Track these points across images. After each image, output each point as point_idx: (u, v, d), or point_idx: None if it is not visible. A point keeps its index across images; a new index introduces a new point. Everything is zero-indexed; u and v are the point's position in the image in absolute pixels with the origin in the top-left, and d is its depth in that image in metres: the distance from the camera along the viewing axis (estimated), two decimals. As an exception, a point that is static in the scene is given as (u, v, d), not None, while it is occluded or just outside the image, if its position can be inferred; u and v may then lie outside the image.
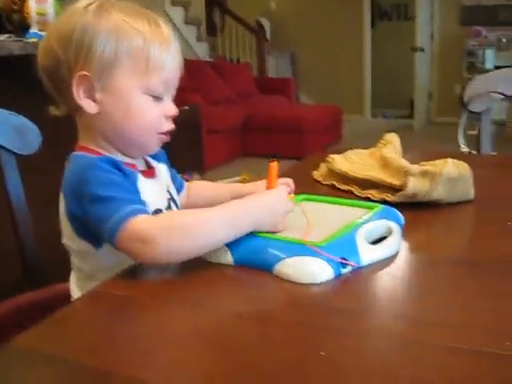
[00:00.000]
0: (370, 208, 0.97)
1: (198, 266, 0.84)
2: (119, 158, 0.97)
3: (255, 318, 0.71)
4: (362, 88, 8.77)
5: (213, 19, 8.24)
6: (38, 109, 1.55)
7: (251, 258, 0.84)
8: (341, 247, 0.82)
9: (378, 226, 0.91)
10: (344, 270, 0.80)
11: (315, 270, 0.79)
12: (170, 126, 1.00)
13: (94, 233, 0.89)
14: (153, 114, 0.96)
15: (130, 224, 0.82)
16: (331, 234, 0.85)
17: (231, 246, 0.85)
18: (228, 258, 0.85)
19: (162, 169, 1.08)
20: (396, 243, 0.89)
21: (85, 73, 0.92)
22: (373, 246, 0.86)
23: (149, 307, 0.76)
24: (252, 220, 0.86)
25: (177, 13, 7.06)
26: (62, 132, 1.47)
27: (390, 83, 9.24)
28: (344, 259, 0.80)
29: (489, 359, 0.59)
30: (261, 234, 0.87)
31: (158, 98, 0.96)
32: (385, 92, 9.16)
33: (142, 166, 1.03)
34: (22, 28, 2.45)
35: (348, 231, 0.87)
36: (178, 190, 1.13)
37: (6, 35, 2.29)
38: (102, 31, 0.92)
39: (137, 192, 0.92)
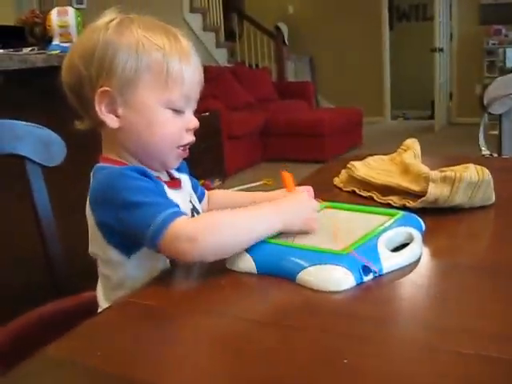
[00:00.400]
0: (391, 215, 0.97)
1: (221, 275, 0.86)
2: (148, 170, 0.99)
3: (277, 325, 0.72)
4: (381, 90, 8.75)
5: (231, 25, 8.28)
6: (61, 120, 1.58)
7: (274, 266, 0.85)
8: (362, 255, 0.83)
9: (399, 233, 0.91)
10: (366, 278, 0.81)
11: (337, 278, 0.80)
12: (190, 138, 1.01)
13: (129, 240, 0.92)
14: (174, 128, 0.98)
15: (173, 226, 0.85)
16: (353, 242, 0.86)
17: (255, 254, 0.87)
18: (252, 266, 0.87)
19: (185, 180, 1.10)
20: (417, 250, 0.89)
21: (107, 88, 0.94)
22: (394, 253, 0.86)
23: (174, 316, 0.77)
24: (283, 218, 0.90)
25: (195, 20, 7.11)
26: (86, 143, 1.50)
27: (410, 84, 9.21)
28: (366, 266, 0.81)
29: (510, 366, 0.60)
30: (284, 243, 0.89)
31: (179, 112, 0.98)
32: (405, 93, 9.13)
33: (165, 178, 1.04)
34: (45, 40, 2.49)
35: (370, 239, 0.87)
36: (200, 199, 1.15)
37: (30, 48, 2.33)
38: (122, 47, 0.94)
39: (167, 197, 0.95)
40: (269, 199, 1.07)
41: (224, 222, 0.88)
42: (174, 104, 0.97)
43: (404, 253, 0.87)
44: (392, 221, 0.95)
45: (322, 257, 0.83)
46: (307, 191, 1.03)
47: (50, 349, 0.69)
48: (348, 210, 1.05)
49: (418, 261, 0.88)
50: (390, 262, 0.84)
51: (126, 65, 0.94)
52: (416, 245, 0.89)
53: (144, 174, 0.92)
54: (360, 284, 0.80)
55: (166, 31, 0.98)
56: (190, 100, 1.00)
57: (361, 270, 0.81)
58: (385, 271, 0.83)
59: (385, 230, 0.90)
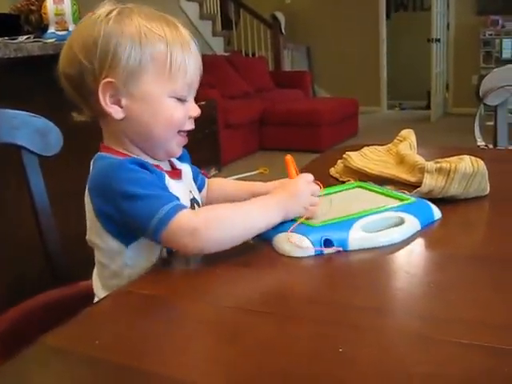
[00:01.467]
0: (402, 200, 1.03)
1: (216, 264, 0.87)
2: (145, 159, 0.99)
3: (273, 314, 0.73)
4: (378, 80, 8.73)
5: (228, 14, 8.24)
6: (58, 109, 1.58)
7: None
8: (332, 230, 0.91)
9: (390, 216, 0.96)
10: (327, 251, 0.89)
11: (296, 246, 0.89)
12: (191, 126, 1.03)
13: (127, 230, 0.93)
14: (178, 115, 0.99)
15: (176, 219, 0.87)
16: (337, 217, 0.95)
17: None
18: None
19: (186, 169, 1.11)
20: (394, 235, 0.93)
21: (110, 80, 0.94)
22: (366, 233, 0.91)
23: (171, 305, 0.78)
24: (280, 209, 0.94)
25: (192, 8, 7.08)
26: (83, 132, 1.50)
27: (407, 74, 9.20)
28: (328, 241, 0.89)
29: (505, 356, 0.60)
30: None
31: (182, 100, 0.99)
32: (401, 83, 9.12)
33: (167, 168, 1.05)
34: (40, 28, 2.48)
35: (352, 217, 0.95)
36: (200, 188, 1.15)
37: (25, 36, 2.32)
38: (125, 38, 0.94)
39: (168, 190, 0.96)
40: (266, 189, 1.09)
41: (224, 216, 0.92)
42: (177, 93, 0.98)
43: (377, 235, 0.92)
44: (394, 205, 1.00)
45: (296, 227, 0.92)
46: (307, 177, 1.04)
47: (48, 337, 0.69)
48: (372, 190, 1.13)
49: (405, 249, 0.91)
50: (358, 241, 0.90)
51: (129, 56, 0.94)
52: (394, 230, 0.93)
53: (143, 166, 0.93)
54: (320, 254, 0.89)
55: (166, 20, 0.98)
56: (192, 88, 1.01)
57: (322, 243, 0.89)
58: (350, 248, 0.90)
59: (374, 212, 0.97)
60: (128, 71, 0.94)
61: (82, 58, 0.95)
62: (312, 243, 0.89)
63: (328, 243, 0.89)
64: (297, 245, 0.89)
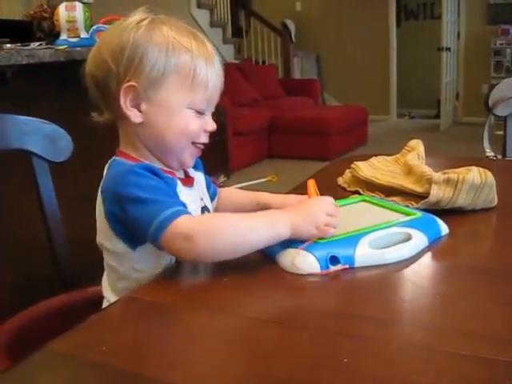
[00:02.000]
0: (408, 215, 1.01)
1: (224, 272, 0.88)
2: (159, 165, 1.00)
3: (279, 324, 0.73)
4: (387, 88, 8.73)
5: (238, 21, 8.27)
6: (69, 116, 1.59)
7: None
8: (338, 246, 0.89)
9: (397, 232, 0.95)
10: (333, 268, 0.87)
11: (304, 262, 0.87)
12: (206, 139, 1.04)
13: (134, 233, 0.94)
14: (194, 127, 1.00)
15: (174, 224, 0.87)
16: (343, 233, 0.93)
17: None
18: None
19: (199, 178, 1.12)
20: (403, 251, 0.91)
21: (133, 83, 0.96)
22: (373, 250, 0.90)
23: (178, 312, 0.79)
24: (289, 226, 0.90)
25: (202, 16, 7.11)
26: (93, 138, 1.51)
27: (416, 83, 9.18)
28: (335, 258, 0.87)
29: (506, 368, 0.61)
30: None
31: (199, 113, 1.01)
32: (411, 92, 9.11)
33: (180, 175, 1.06)
34: (52, 35, 2.50)
35: (358, 233, 0.93)
36: (212, 197, 1.16)
37: (37, 43, 2.34)
38: (152, 47, 0.96)
39: (176, 195, 0.97)
40: (275, 200, 1.09)
41: (224, 225, 0.90)
42: (196, 105, 1.00)
43: (384, 252, 0.90)
44: (401, 220, 0.99)
45: (299, 242, 0.90)
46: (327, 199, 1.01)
47: (55, 343, 0.70)
48: (377, 204, 1.11)
49: (417, 260, 0.90)
50: (365, 258, 0.88)
51: (154, 64, 0.96)
52: (402, 247, 0.92)
53: (153, 172, 0.94)
54: (325, 269, 0.87)
55: (194, 35, 1.01)
56: (211, 103, 1.03)
57: (328, 260, 0.87)
58: (356, 265, 0.88)
59: (380, 228, 0.95)
60: (151, 78, 0.97)
61: (109, 62, 0.97)
62: (318, 260, 0.87)
63: (334, 260, 0.87)
64: (303, 261, 0.87)
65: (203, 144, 1.04)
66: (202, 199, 1.09)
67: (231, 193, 1.24)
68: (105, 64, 0.98)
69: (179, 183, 1.01)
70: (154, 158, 1.02)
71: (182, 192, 1.00)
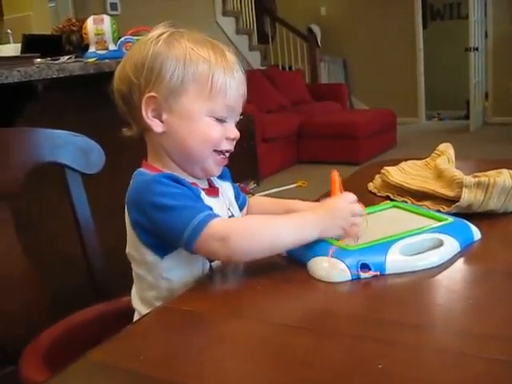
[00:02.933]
0: (440, 220, 1.00)
1: (256, 280, 0.89)
2: (182, 176, 1.01)
3: (312, 331, 0.74)
4: (415, 90, 8.67)
5: (264, 28, 8.29)
6: (100, 128, 1.62)
7: (298, 252, 0.93)
8: (369, 253, 0.89)
9: (428, 238, 0.94)
10: (364, 275, 0.87)
11: (332, 271, 0.87)
12: (229, 146, 1.04)
13: (162, 241, 0.95)
14: (215, 133, 1.01)
15: (209, 226, 0.90)
16: (372, 240, 0.92)
17: None
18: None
19: (226, 187, 1.13)
20: (433, 258, 0.90)
21: (153, 94, 0.99)
22: (405, 257, 0.89)
23: (212, 321, 0.80)
24: (316, 226, 0.92)
25: (228, 23, 7.15)
26: (124, 150, 1.53)
27: (445, 84, 9.10)
28: (365, 265, 0.86)
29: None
30: None
31: (220, 121, 1.02)
32: (439, 93, 9.03)
33: (203, 185, 1.07)
34: (81, 48, 2.54)
35: (389, 240, 0.92)
36: (241, 206, 1.17)
37: (67, 57, 2.38)
38: (170, 58, 0.99)
39: (202, 201, 0.98)
40: (305, 207, 1.09)
41: (257, 226, 0.94)
42: (216, 113, 1.01)
43: (416, 259, 0.89)
44: (433, 226, 0.98)
45: (327, 249, 0.90)
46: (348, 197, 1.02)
47: (92, 353, 0.71)
48: (409, 210, 1.10)
49: (449, 266, 0.89)
50: (396, 264, 0.88)
51: (173, 74, 0.98)
52: (433, 253, 0.91)
53: (177, 181, 0.96)
54: (356, 279, 0.86)
55: (212, 45, 1.03)
56: (233, 112, 1.04)
57: (359, 268, 0.86)
58: (388, 272, 0.87)
59: (411, 234, 0.94)
60: (170, 88, 0.99)
61: (131, 75, 1.01)
62: (348, 267, 0.87)
63: (365, 267, 0.87)
64: (333, 269, 0.87)
65: (227, 152, 1.05)
66: (228, 209, 1.10)
67: (260, 201, 1.25)
68: (128, 78, 1.01)
69: (203, 193, 1.02)
70: (177, 168, 1.03)
71: (206, 202, 1.01)
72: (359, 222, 0.95)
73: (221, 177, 1.12)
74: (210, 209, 0.95)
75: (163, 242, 0.96)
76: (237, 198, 1.16)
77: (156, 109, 1.00)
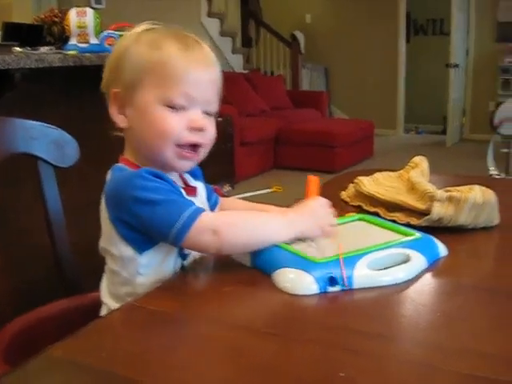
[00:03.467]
0: (407, 235, 1.00)
1: (224, 283, 0.89)
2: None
3: (276, 336, 0.73)
4: (395, 102, 8.74)
5: (248, 31, 8.30)
6: (76, 121, 1.60)
7: (263, 262, 0.93)
8: (337, 267, 0.87)
9: (396, 253, 0.93)
10: (331, 289, 0.85)
11: (302, 283, 0.85)
12: (192, 138, 0.99)
13: (145, 236, 0.95)
14: (170, 124, 0.98)
15: (199, 220, 0.90)
16: (339, 253, 0.90)
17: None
18: (247, 259, 0.95)
19: (200, 188, 1.12)
20: (399, 274, 0.89)
21: (116, 90, 1.00)
22: (372, 271, 0.88)
23: (178, 321, 0.79)
24: (298, 225, 0.95)
25: (213, 25, 7.14)
26: (99, 144, 1.52)
27: (424, 98, 9.20)
28: (333, 279, 0.85)
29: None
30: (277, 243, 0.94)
31: (178, 110, 0.98)
32: (418, 107, 9.11)
33: (181, 184, 1.05)
34: (62, 40, 2.52)
35: (357, 253, 0.90)
36: (213, 207, 1.16)
37: (47, 47, 2.35)
38: (132, 51, 0.99)
39: (183, 196, 0.98)
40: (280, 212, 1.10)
41: (246, 220, 0.96)
42: (171, 101, 0.97)
43: (383, 274, 0.89)
44: (400, 240, 0.97)
45: (298, 262, 0.89)
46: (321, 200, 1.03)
47: (53, 348, 0.70)
48: (375, 224, 1.09)
49: (412, 280, 0.89)
50: (363, 279, 0.87)
51: (131, 67, 0.98)
52: (401, 268, 0.90)
53: (159, 176, 0.95)
54: (323, 293, 0.85)
55: (182, 37, 1.01)
56: (195, 100, 0.99)
57: (327, 281, 0.85)
58: (355, 286, 0.86)
59: (379, 249, 0.93)
60: (128, 81, 0.99)
61: (106, 73, 1.03)
62: (316, 281, 0.85)
63: (332, 281, 0.85)
64: (300, 283, 0.86)
65: (195, 145, 1.00)
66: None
67: (235, 203, 1.24)
68: (104, 75, 1.03)
69: (183, 192, 1.01)
70: (148, 162, 1.01)
71: None
72: (335, 222, 0.98)
73: (194, 176, 1.11)
74: (193, 203, 0.95)
75: (145, 236, 0.95)
76: (209, 198, 1.15)
77: (121, 105, 1.00)
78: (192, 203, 0.94)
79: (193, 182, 1.10)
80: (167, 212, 0.90)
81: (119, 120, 1.01)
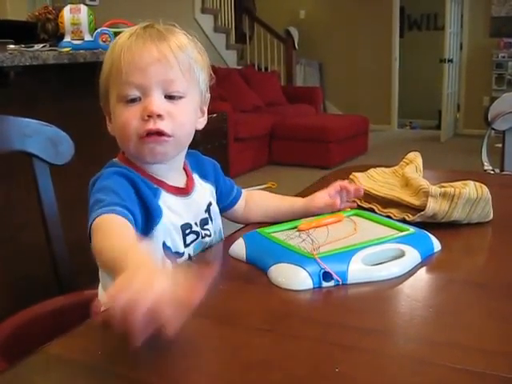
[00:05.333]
0: (401, 230, 1.01)
1: (220, 280, 0.89)
2: (149, 173, 1.01)
3: (272, 332, 0.74)
4: (389, 98, 8.74)
5: (242, 27, 8.29)
6: (71, 119, 1.60)
7: (259, 258, 0.94)
8: (331, 262, 0.87)
9: (390, 248, 0.94)
10: (326, 284, 0.86)
11: (297, 278, 0.86)
12: (150, 126, 0.94)
13: None
14: (126, 118, 0.95)
15: (96, 220, 0.86)
16: (333, 249, 0.91)
17: (248, 244, 0.97)
18: (243, 254, 0.97)
19: (205, 189, 1.11)
20: (394, 269, 0.90)
21: (101, 103, 1.03)
22: (366, 266, 0.88)
23: (174, 318, 0.79)
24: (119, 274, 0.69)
25: (206, 21, 7.14)
26: (95, 141, 1.52)
27: (418, 93, 9.21)
28: (327, 274, 0.86)
29: (496, 382, 0.61)
30: (275, 239, 0.96)
31: (130, 101, 0.95)
32: (412, 102, 9.13)
33: (175, 183, 1.04)
34: (56, 37, 2.51)
35: (351, 248, 0.91)
36: (234, 201, 1.18)
37: (41, 45, 2.34)
38: (107, 52, 1.00)
39: (130, 199, 0.93)
40: (307, 203, 1.14)
41: (104, 233, 0.85)
42: (125, 96, 0.95)
43: (378, 269, 0.89)
44: (394, 235, 0.98)
45: (292, 257, 0.89)
46: (345, 188, 1.13)
47: (51, 346, 0.71)
48: (371, 219, 1.10)
49: (406, 275, 0.90)
50: (358, 274, 0.87)
51: (101, 78, 1.00)
52: (395, 263, 0.91)
53: (128, 178, 0.96)
54: (318, 288, 0.85)
55: (137, 29, 0.98)
56: (145, 86, 0.94)
57: (321, 276, 0.86)
58: (349, 281, 0.87)
59: (373, 244, 0.93)
60: (103, 93, 1.01)
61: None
62: (310, 276, 0.85)
63: (327, 276, 0.86)
64: (294, 277, 0.86)
65: (157, 133, 0.94)
66: (206, 210, 1.08)
67: (266, 196, 1.25)
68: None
69: (163, 192, 1.00)
70: (133, 158, 1.02)
71: (168, 200, 1.00)
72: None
73: (204, 177, 1.11)
74: (123, 204, 0.89)
75: None
76: (229, 194, 1.16)
77: (108, 115, 1.02)
78: (114, 203, 0.88)
79: (197, 182, 1.09)
80: (91, 209, 0.90)
81: (109, 129, 1.02)
